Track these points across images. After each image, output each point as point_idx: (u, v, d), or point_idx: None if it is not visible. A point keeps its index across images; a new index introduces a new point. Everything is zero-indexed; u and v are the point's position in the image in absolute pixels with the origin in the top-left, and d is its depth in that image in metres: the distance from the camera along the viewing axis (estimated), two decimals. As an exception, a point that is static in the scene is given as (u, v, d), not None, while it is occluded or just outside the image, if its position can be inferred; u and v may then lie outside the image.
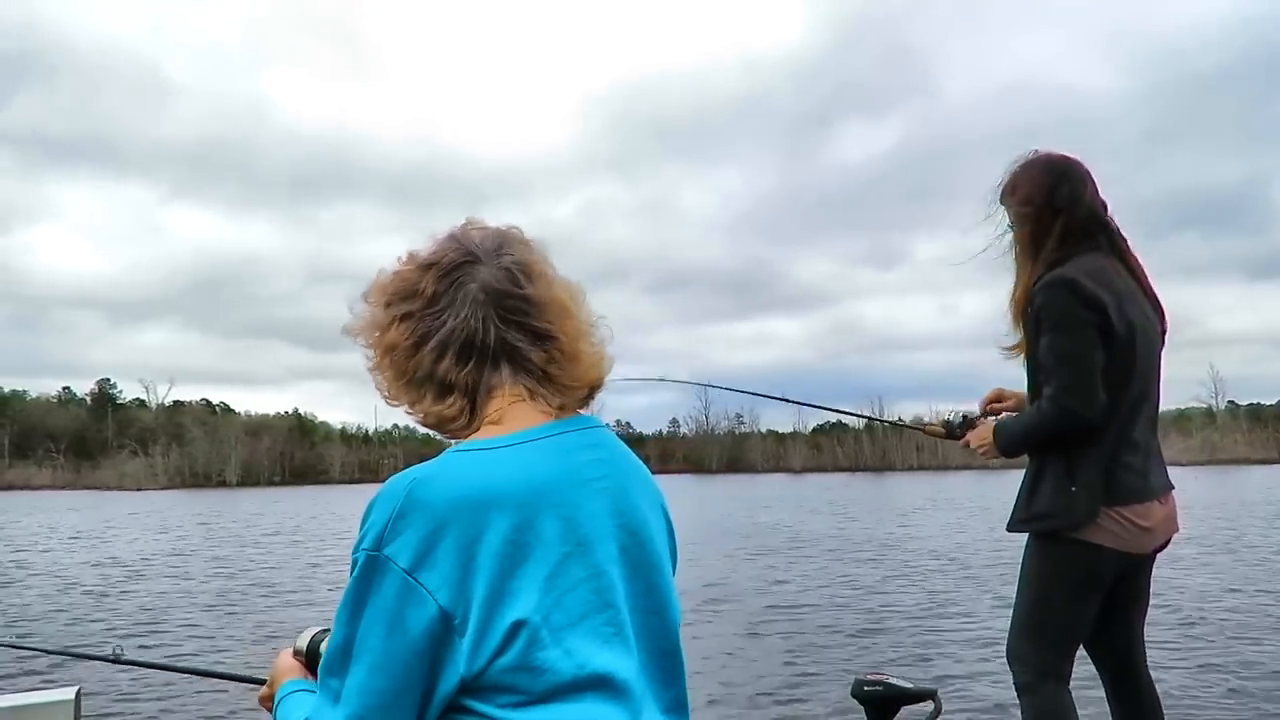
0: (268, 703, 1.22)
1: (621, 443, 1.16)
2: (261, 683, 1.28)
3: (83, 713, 2.26)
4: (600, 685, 0.99)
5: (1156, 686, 2.52)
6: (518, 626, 0.96)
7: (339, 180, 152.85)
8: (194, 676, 5.54)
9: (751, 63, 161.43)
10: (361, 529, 0.99)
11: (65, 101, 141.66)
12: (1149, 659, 2.53)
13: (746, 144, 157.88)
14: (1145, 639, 2.53)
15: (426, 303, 1.10)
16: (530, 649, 0.96)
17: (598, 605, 1.02)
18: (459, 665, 0.95)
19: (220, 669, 5.94)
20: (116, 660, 2.17)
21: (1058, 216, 2.37)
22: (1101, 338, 2.27)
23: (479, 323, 1.09)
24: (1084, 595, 2.35)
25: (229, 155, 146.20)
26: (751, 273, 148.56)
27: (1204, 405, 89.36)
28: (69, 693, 2.24)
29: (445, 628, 0.95)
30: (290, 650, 1.24)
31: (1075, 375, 2.27)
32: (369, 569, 0.97)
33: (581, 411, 1.16)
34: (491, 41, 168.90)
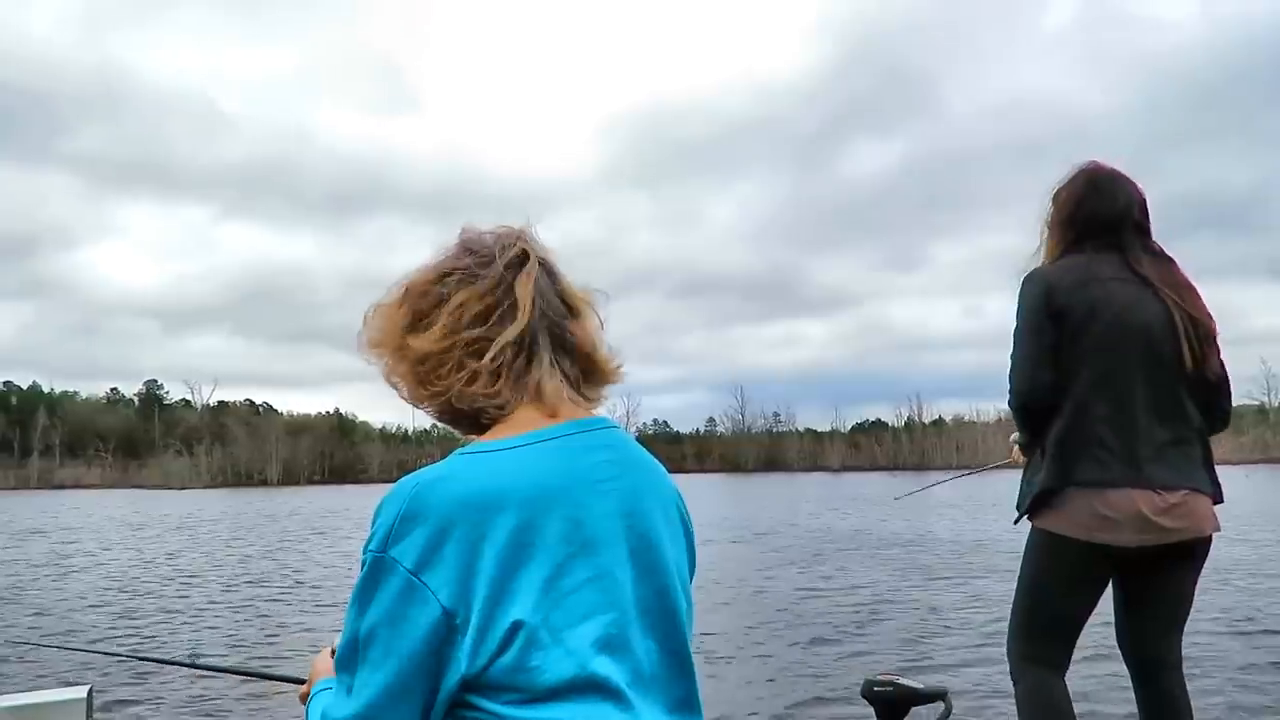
0: (306, 700, 1.23)
1: (636, 444, 1.15)
2: (301, 682, 1.30)
3: (95, 711, 2.28)
4: (601, 686, 0.99)
5: (1189, 689, 2.39)
6: (517, 627, 0.96)
7: (377, 197, 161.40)
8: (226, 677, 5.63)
9: (762, 85, 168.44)
10: (370, 530, 1.01)
11: (129, 131, 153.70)
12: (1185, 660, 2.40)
13: (761, 160, 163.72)
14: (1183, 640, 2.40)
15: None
16: (529, 649, 0.96)
17: (602, 606, 1.02)
18: (460, 664, 0.96)
19: (259, 669, 5.95)
20: (135, 658, 2.15)
21: (1073, 229, 2.45)
22: (1051, 320, 2.32)
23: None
24: (1066, 585, 2.34)
25: (277, 177, 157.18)
26: (775, 277, 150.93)
27: (1256, 403, 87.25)
28: (81, 691, 2.25)
29: (448, 627, 0.96)
30: (329, 649, 1.24)
31: (1015, 357, 2.38)
32: (375, 569, 0.98)
33: (596, 412, 1.15)
34: (518, 70, 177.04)
